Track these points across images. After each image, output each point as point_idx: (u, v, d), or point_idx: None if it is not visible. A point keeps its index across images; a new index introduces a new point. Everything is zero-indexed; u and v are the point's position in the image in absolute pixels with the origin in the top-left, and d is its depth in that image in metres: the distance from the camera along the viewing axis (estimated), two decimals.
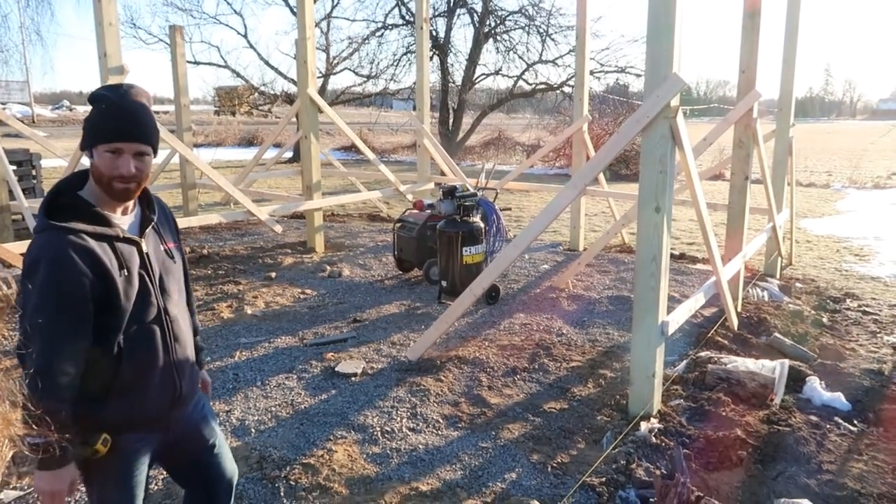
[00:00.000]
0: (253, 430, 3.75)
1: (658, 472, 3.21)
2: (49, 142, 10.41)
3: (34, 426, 1.39)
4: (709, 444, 3.53)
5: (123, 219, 1.96)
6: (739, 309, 5.69)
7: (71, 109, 45.83)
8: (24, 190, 8.02)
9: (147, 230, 2.00)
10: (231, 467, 2.31)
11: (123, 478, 1.96)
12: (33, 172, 9.28)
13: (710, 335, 5.12)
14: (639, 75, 19.73)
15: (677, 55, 3.58)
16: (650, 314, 3.75)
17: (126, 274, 1.88)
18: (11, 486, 3.19)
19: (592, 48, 19.13)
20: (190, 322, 2.20)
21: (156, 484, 3.20)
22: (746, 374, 4.20)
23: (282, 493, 3.12)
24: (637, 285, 3.82)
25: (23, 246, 6.01)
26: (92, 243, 1.82)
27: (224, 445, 2.29)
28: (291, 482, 3.21)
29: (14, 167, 8.34)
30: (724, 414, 3.86)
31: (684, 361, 4.70)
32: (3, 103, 33.66)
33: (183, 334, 2.08)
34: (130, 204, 1.99)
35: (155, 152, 1.99)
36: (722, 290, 4.89)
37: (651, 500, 2.99)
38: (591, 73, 19.15)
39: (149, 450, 2.04)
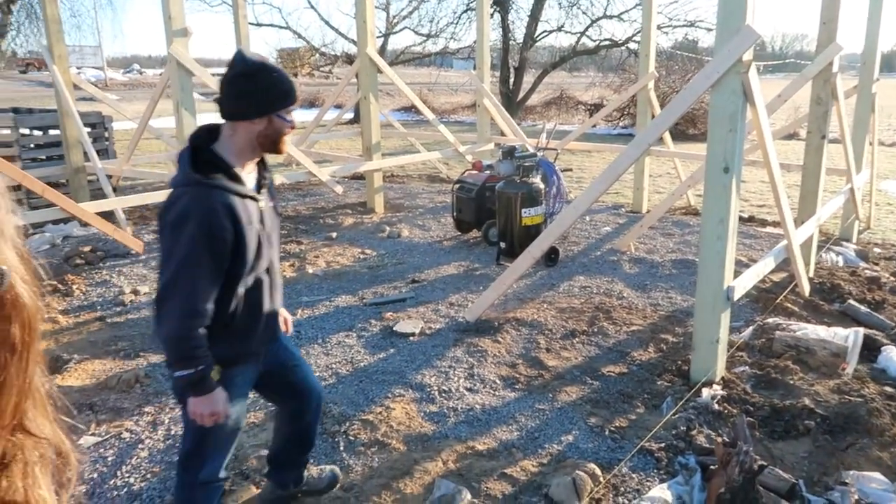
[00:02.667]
0: None
1: (720, 440, 3.14)
2: (121, 105, 10.77)
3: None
4: (774, 413, 3.43)
5: (247, 177, 2.18)
6: (811, 274, 5.46)
7: (141, 73, 47.12)
8: (97, 151, 8.32)
9: (261, 188, 2.24)
10: (317, 384, 2.69)
11: (234, 402, 2.25)
12: (106, 135, 9.60)
13: (778, 301, 4.93)
14: (709, 30, 18.83)
15: (751, 6, 3.37)
16: (715, 278, 3.63)
17: (252, 228, 2.12)
18: (90, 433, 3.37)
19: (660, 1, 18.36)
20: (277, 266, 2.41)
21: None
22: (817, 342, 4.04)
23: (341, 448, 3.20)
24: (702, 248, 3.69)
25: (98, 206, 6.28)
26: (232, 199, 2.06)
27: (306, 364, 2.67)
28: (351, 437, 3.29)
29: (88, 129, 8.65)
30: (791, 382, 3.73)
31: (750, 328, 4.55)
32: (78, 68, 34.91)
33: (279, 283, 2.39)
34: (251, 164, 2.22)
35: None
36: (793, 254, 4.68)
37: (711, 466, 2.93)
38: (659, 27, 18.39)
39: (249, 379, 2.38)
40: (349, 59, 22.06)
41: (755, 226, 7.62)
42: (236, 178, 2.11)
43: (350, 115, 18.87)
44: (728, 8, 3.38)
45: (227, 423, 2.24)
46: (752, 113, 3.74)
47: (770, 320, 4.60)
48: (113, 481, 3.00)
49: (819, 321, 4.62)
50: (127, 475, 3.04)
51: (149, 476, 3.03)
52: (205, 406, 2.11)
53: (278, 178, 7.46)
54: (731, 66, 3.39)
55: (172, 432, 3.37)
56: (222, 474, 2.39)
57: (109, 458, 3.17)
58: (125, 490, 2.94)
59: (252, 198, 2.15)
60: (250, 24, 20.72)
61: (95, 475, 3.04)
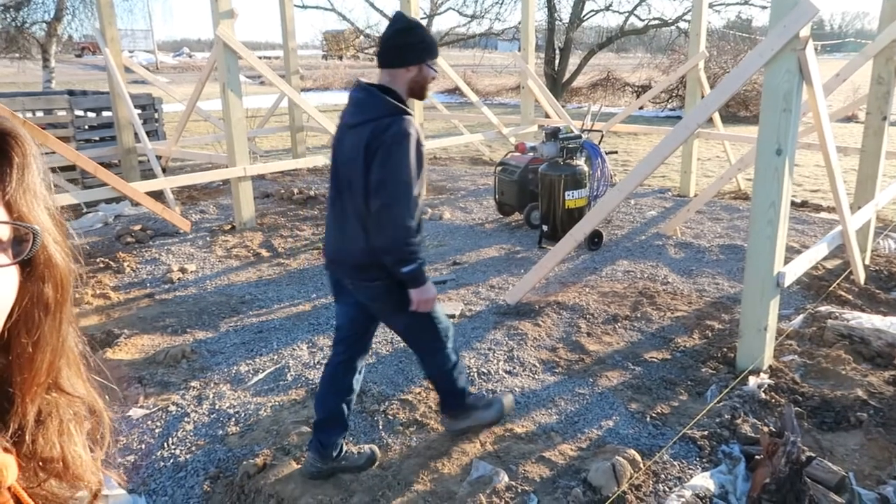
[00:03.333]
0: None
1: (766, 429, 3.06)
2: (170, 87, 10.98)
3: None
4: (824, 404, 3.31)
5: None
6: (867, 262, 5.25)
7: (190, 56, 48.00)
8: (147, 133, 8.52)
9: None
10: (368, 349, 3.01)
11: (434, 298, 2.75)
12: (156, 116, 9.82)
13: (831, 289, 4.76)
14: (764, 7, 18.17)
15: None
16: (765, 263, 3.52)
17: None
18: (139, 405, 3.48)
19: None
20: None
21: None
22: (872, 332, 3.89)
23: (380, 427, 3.23)
24: (752, 233, 3.57)
25: (148, 185, 6.44)
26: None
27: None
28: (390, 416, 3.31)
29: (139, 111, 8.86)
30: (843, 373, 3.60)
31: (801, 315, 4.41)
32: (130, 51, 35.75)
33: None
34: None
35: None
36: (848, 240, 4.50)
37: (757, 457, 2.86)
38: (711, 5, 17.82)
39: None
40: None
41: (809, 211, 7.36)
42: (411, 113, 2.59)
43: None
44: None
45: (435, 312, 2.85)
46: (808, 92, 3.58)
47: (822, 308, 4.45)
48: (159, 452, 3.09)
49: (875, 310, 4.44)
50: (173, 447, 3.13)
51: (193, 448, 3.10)
52: (423, 293, 2.61)
53: (321, 160, 7.54)
54: (787, 42, 3.25)
55: (217, 407, 3.45)
56: (452, 333, 2.97)
57: (156, 431, 3.26)
58: (171, 461, 3.02)
59: None
60: (296, 6, 20.85)
61: (143, 446, 3.14)
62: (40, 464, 0.63)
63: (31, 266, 0.61)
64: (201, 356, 4.04)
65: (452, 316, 4.53)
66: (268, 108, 11.32)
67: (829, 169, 4.17)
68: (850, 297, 4.66)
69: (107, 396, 0.71)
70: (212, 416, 3.37)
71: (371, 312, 2.84)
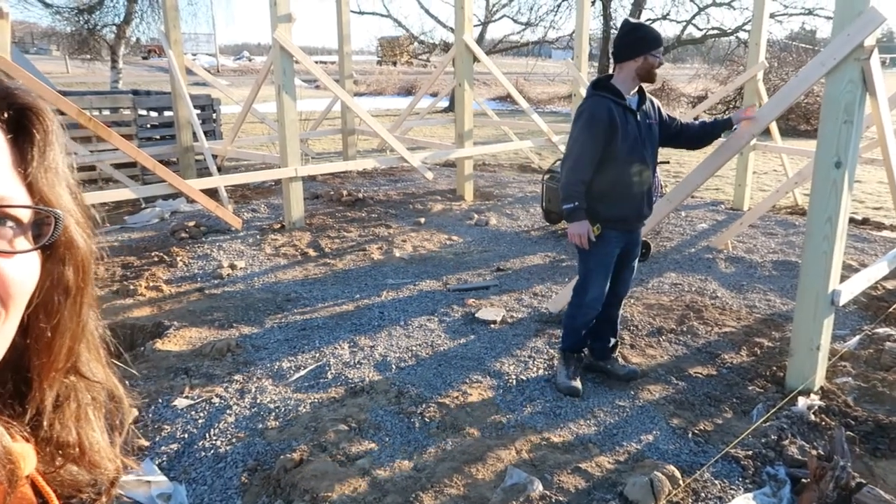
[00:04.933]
0: (394, 367, 3.90)
1: (814, 452, 2.94)
2: (230, 90, 11.29)
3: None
4: (878, 429, 3.17)
5: (631, 100, 3.40)
6: None
7: (250, 59, 49.23)
8: (205, 132, 8.77)
9: (642, 108, 3.43)
10: (627, 289, 3.80)
11: (604, 254, 3.48)
12: (214, 116, 10.10)
13: (891, 310, 4.56)
14: (829, 18, 17.61)
15: None
16: (819, 281, 3.39)
17: (625, 126, 3.32)
18: (184, 396, 3.57)
19: None
20: (654, 173, 3.55)
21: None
22: None
23: (416, 428, 3.23)
24: (806, 248, 3.45)
25: (203, 183, 6.62)
26: (611, 104, 3.31)
27: (633, 270, 3.75)
28: (426, 419, 3.31)
29: (198, 111, 9.13)
30: None
31: (857, 336, 4.24)
32: (193, 54, 36.89)
33: (647, 175, 3.45)
34: (634, 91, 3.42)
35: None
36: None
37: (803, 480, 2.76)
38: (772, 15, 17.37)
39: (617, 243, 3.50)
40: (447, 48, 22.14)
41: (870, 229, 7.08)
42: (618, 94, 3.34)
43: (446, 104, 18.98)
44: None
45: (598, 263, 3.48)
46: (872, 105, 3.45)
47: (880, 330, 4.27)
48: (201, 443, 3.16)
49: None
50: (214, 438, 3.19)
51: (234, 440, 3.17)
52: (575, 229, 3.36)
53: (370, 163, 7.64)
54: (851, 51, 3.13)
55: (258, 401, 3.51)
56: (597, 303, 3.57)
57: (200, 421, 3.34)
58: (212, 452, 3.08)
59: (629, 108, 3.35)
60: (352, 11, 21.19)
61: (186, 436, 3.21)
62: (57, 449, 0.62)
63: (51, 249, 0.58)
64: (246, 350, 4.12)
65: (493, 322, 4.52)
66: (321, 111, 11.52)
67: (892, 185, 4.01)
68: None
69: (127, 383, 0.70)
70: (253, 410, 3.43)
71: None
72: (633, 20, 3.48)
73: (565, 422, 3.32)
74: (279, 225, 7.03)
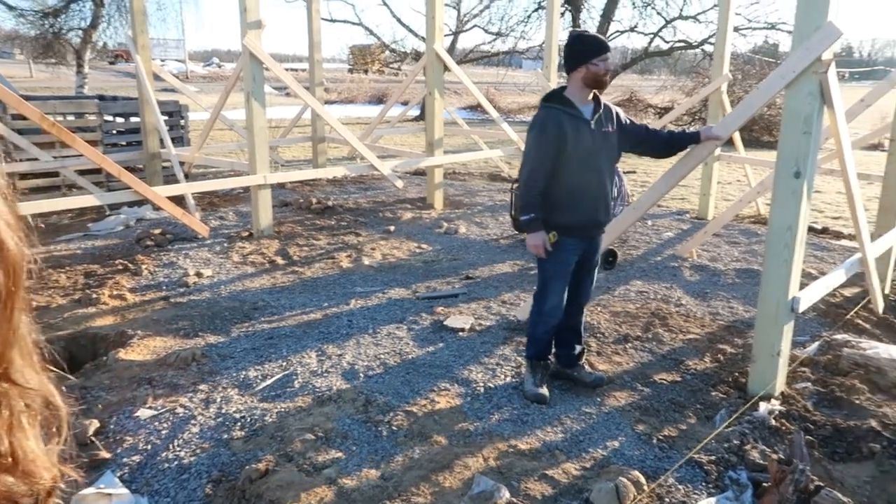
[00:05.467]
0: (361, 375, 3.88)
1: (775, 457, 3.00)
2: (198, 96, 11.16)
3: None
4: (836, 433, 3.25)
5: (585, 108, 3.42)
6: (887, 291, 5.16)
7: (220, 66, 48.72)
8: (173, 139, 8.66)
9: (595, 117, 3.42)
10: (587, 296, 3.81)
11: (560, 261, 3.53)
12: (182, 123, 9.98)
13: (848, 317, 4.69)
14: (790, 32, 18.06)
15: (834, 1, 3.20)
16: (779, 288, 3.47)
17: (576, 137, 3.34)
18: (147, 406, 3.50)
19: (740, 2, 17.71)
20: (612, 178, 3.57)
21: None
22: (889, 363, 3.81)
23: (384, 437, 3.22)
24: (767, 256, 3.53)
25: (170, 190, 6.53)
26: (561, 115, 3.37)
27: (592, 279, 3.77)
28: (394, 427, 3.30)
29: (165, 117, 9.01)
30: (857, 402, 3.53)
31: (816, 343, 4.34)
32: (161, 60, 36.42)
33: (604, 183, 3.48)
34: (590, 99, 3.45)
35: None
36: (868, 267, 4.43)
37: (764, 484, 2.81)
38: (736, 29, 17.75)
39: (574, 251, 3.54)
40: (418, 57, 22.20)
41: (829, 238, 7.27)
42: (569, 105, 3.39)
43: (417, 112, 19.02)
44: (808, 3, 3.22)
45: (555, 271, 3.54)
46: (830, 117, 3.55)
47: (838, 336, 4.38)
48: (165, 454, 3.10)
49: (893, 340, 4.36)
50: (178, 448, 3.14)
51: (198, 451, 3.12)
52: (532, 239, 3.43)
53: (340, 171, 7.62)
54: (809, 65, 3.23)
55: (223, 410, 3.46)
56: (557, 311, 3.61)
57: (163, 432, 3.28)
58: (175, 463, 3.03)
59: (581, 118, 3.38)
60: (324, 19, 21.14)
61: (149, 447, 3.15)
62: None
63: None
64: (211, 360, 4.06)
65: (462, 330, 4.53)
66: (291, 118, 11.45)
67: (849, 195, 4.12)
68: (867, 326, 4.58)
69: (64, 389, 0.68)
70: (218, 420, 3.38)
71: None
72: (576, 31, 3.56)
73: (532, 429, 3.34)
74: (247, 233, 6.96)
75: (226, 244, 6.59)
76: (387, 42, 23.69)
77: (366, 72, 36.25)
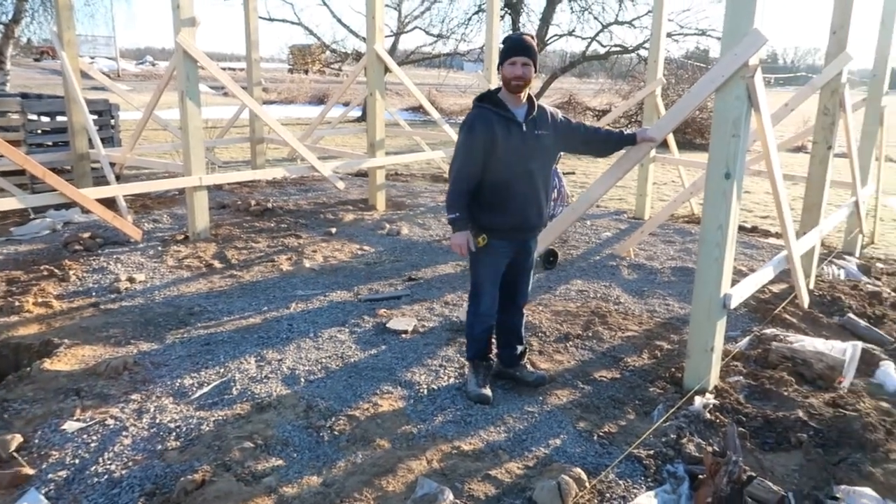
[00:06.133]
0: (302, 380, 3.81)
1: (709, 449, 3.08)
2: (130, 95, 10.77)
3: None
4: (766, 424, 3.38)
5: (517, 110, 3.40)
6: (812, 286, 5.40)
7: (154, 64, 47.20)
8: (103, 139, 8.32)
9: (528, 119, 3.39)
10: (524, 297, 3.80)
11: (490, 263, 3.55)
12: (112, 122, 9.60)
13: (777, 312, 4.88)
14: (720, 38, 18.73)
15: (759, 11, 3.32)
16: (712, 285, 3.58)
17: (507, 139, 3.32)
18: (75, 418, 3.34)
19: (672, 9, 18.28)
20: (547, 182, 3.55)
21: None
22: (814, 355, 3.98)
23: (325, 442, 3.17)
24: (700, 255, 3.64)
25: (99, 192, 6.28)
26: (492, 116, 3.34)
27: (528, 280, 3.77)
28: (336, 432, 3.25)
29: (94, 117, 8.65)
30: (785, 394, 3.68)
31: (747, 337, 4.50)
32: (91, 58, 35.01)
33: (535, 186, 3.45)
34: (524, 101, 3.42)
35: (535, 66, 3.38)
36: (793, 265, 4.62)
37: (700, 476, 2.89)
38: (669, 35, 18.32)
39: (504, 253, 3.55)
40: (359, 57, 22.04)
41: (758, 236, 7.56)
42: (500, 105, 3.37)
43: (359, 113, 18.87)
44: (735, 11, 3.33)
45: (486, 273, 3.56)
46: (757, 120, 3.68)
47: (767, 331, 4.55)
48: (94, 468, 2.96)
49: (817, 334, 4.56)
50: (108, 462, 3.01)
51: (130, 464, 2.99)
52: (456, 239, 3.44)
53: (279, 172, 7.48)
54: (737, 69, 3.34)
55: (157, 420, 3.34)
56: (492, 311, 3.66)
57: (92, 445, 3.14)
58: (105, 477, 2.90)
59: (513, 120, 3.35)
60: (262, 18, 20.74)
61: (76, 461, 3.01)
62: None
63: None
64: (144, 368, 3.92)
65: (405, 332, 4.50)
66: (229, 118, 11.18)
67: (775, 195, 4.29)
68: (794, 320, 4.77)
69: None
70: (151, 431, 3.26)
71: None
72: (508, 33, 3.57)
73: (476, 429, 3.34)
74: (182, 236, 6.75)
75: (160, 248, 6.38)
76: (327, 42, 23.43)
77: (306, 72, 35.74)
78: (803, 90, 5.68)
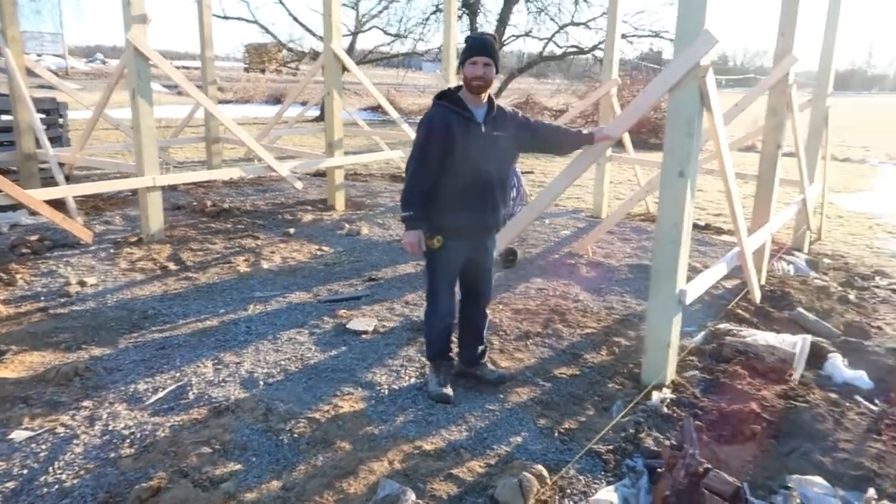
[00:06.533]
0: (261, 383, 3.75)
1: (667, 443, 3.15)
2: (79, 94, 10.45)
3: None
4: (722, 417, 3.45)
5: (477, 110, 3.39)
6: (763, 282, 5.55)
7: (104, 62, 45.92)
8: (51, 139, 8.06)
9: (488, 119, 3.38)
10: (486, 295, 3.80)
11: (446, 264, 3.53)
12: (60, 121, 9.31)
13: (730, 307, 5.00)
14: (673, 40, 19.14)
15: (710, 12, 3.40)
16: (668, 282, 3.65)
17: (465, 138, 3.29)
18: (23, 427, 3.23)
19: (626, 10, 18.59)
20: (504, 182, 3.53)
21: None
22: (766, 348, 4.09)
23: (285, 445, 3.12)
24: (656, 252, 3.70)
25: (48, 193, 6.08)
26: (450, 115, 3.32)
27: (489, 278, 3.76)
28: (296, 435, 3.21)
29: (41, 116, 8.37)
30: (739, 387, 3.77)
31: (702, 333, 4.60)
32: (38, 55, 33.87)
33: (492, 186, 3.44)
34: (484, 101, 3.41)
35: (496, 67, 3.38)
36: (745, 261, 4.74)
37: (658, 469, 2.93)
38: (624, 36, 18.63)
39: (460, 253, 3.52)
40: (316, 56, 21.83)
41: (711, 234, 7.74)
42: (460, 104, 3.34)
43: (316, 113, 18.69)
44: (687, 12, 3.40)
45: (441, 274, 3.54)
46: (709, 119, 3.77)
47: (721, 326, 4.66)
48: (43, 478, 2.87)
49: (769, 328, 4.69)
50: (59, 472, 2.91)
51: (82, 473, 2.90)
52: (407, 237, 3.40)
53: (236, 172, 7.37)
54: (690, 69, 3.40)
55: (110, 427, 3.25)
56: (449, 311, 3.65)
57: (41, 454, 3.03)
58: (56, 487, 2.81)
59: (471, 119, 3.33)
60: (217, 16, 20.39)
61: (25, 471, 2.90)
62: None
63: None
64: (96, 374, 3.80)
65: (365, 332, 4.47)
66: (182, 117, 10.95)
67: (727, 192, 4.39)
68: (746, 315, 4.90)
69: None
70: (104, 438, 3.17)
71: None
72: (473, 33, 3.61)
73: (437, 429, 3.34)
74: (136, 238, 6.58)
75: (112, 250, 6.21)
76: (284, 41, 23.14)
77: (263, 71, 35.26)
78: (753, 91, 5.84)
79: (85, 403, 3.47)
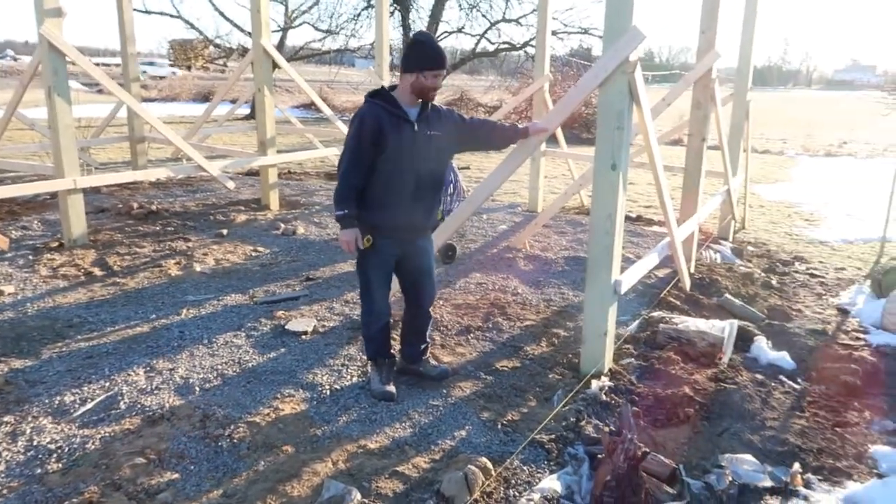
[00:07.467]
0: (197, 389, 3.64)
1: (606, 429, 3.22)
2: None
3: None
4: (657, 402, 3.56)
5: (410, 110, 3.35)
6: (692, 270, 5.75)
7: (16, 59, 43.62)
8: None
9: (421, 118, 3.36)
10: (429, 295, 3.74)
11: (377, 263, 3.50)
12: None
13: (663, 295, 5.16)
14: (602, 37, 19.58)
15: (637, 8, 3.48)
16: (603, 273, 3.73)
17: (397, 138, 3.27)
18: None
19: (556, 7, 18.92)
20: (438, 182, 3.53)
21: None
22: (696, 334, 4.24)
23: (224, 452, 3.04)
24: (591, 244, 3.78)
25: None
26: (383, 113, 3.28)
27: (431, 278, 3.71)
28: (235, 440, 3.12)
29: None
30: (673, 372, 3.89)
31: (637, 321, 4.73)
32: None
33: (425, 186, 3.42)
34: (418, 100, 3.36)
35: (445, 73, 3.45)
36: (675, 251, 4.90)
37: (599, 456, 3.00)
38: (554, 33, 18.95)
39: (391, 252, 3.49)
40: (245, 52, 21.31)
41: (642, 225, 7.96)
42: (393, 103, 3.31)
43: (247, 111, 18.26)
44: (615, 8, 3.48)
45: (374, 273, 3.52)
46: (638, 113, 3.87)
47: (655, 314, 4.80)
48: None
49: (699, 314, 4.86)
50: None
51: (5, 492, 2.75)
52: (344, 235, 3.36)
53: (162, 172, 7.12)
54: (619, 65, 3.48)
55: (35, 443, 3.08)
56: (384, 310, 3.62)
57: None
58: None
59: (405, 119, 3.30)
60: (138, 10, 19.60)
61: None
62: None
63: None
64: (17, 387, 3.60)
65: (304, 333, 4.40)
66: (103, 117, 10.49)
67: (657, 184, 4.53)
68: (678, 302, 5.07)
69: None
70: (28, 454, 3.01)
71: None
72: (424, 34, 3.46)
73: (381, 427, 3.32)
74: (57, 243, 6.27)
75: (31, 257, 5.90)
76: (210, 37, 22.49)
77: (188, 68, 34.16)
78: (678, 86, 6.03)
79: (6, 419, 3.28)
